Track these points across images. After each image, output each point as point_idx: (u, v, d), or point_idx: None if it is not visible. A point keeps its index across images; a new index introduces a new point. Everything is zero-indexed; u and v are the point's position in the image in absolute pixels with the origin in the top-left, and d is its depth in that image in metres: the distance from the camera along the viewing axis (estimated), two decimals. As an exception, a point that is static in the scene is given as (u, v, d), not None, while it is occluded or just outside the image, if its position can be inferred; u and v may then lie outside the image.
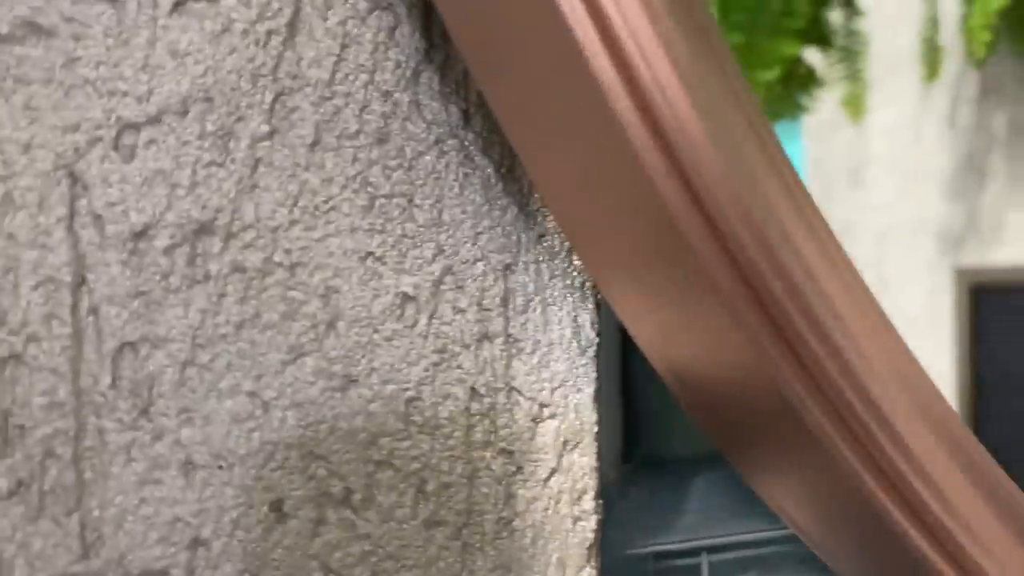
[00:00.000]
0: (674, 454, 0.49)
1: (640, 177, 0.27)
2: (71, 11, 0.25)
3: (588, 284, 0.31)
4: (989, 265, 1.57)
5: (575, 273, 0.30)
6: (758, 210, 0.26)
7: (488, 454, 0.29)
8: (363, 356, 0.27)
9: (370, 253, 0.28)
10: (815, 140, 1.95)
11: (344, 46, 0.27)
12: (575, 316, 0.30)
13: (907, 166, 1.75)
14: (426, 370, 0.28)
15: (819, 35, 1.49)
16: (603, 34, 0.24)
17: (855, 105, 1.50)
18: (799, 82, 1.55)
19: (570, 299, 0.30)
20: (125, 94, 0.25)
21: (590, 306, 0.31)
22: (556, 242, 0.30)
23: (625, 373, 0.48)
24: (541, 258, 0.30)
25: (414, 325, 0.28)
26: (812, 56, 1.57)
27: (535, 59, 0.26)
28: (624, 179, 0.27)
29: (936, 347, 1.60)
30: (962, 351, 1.56)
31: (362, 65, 0.28)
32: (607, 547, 0.36)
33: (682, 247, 0.27)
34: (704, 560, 0.38)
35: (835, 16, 1.51)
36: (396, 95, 0.28)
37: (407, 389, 0.28)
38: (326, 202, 0.27)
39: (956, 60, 1.58)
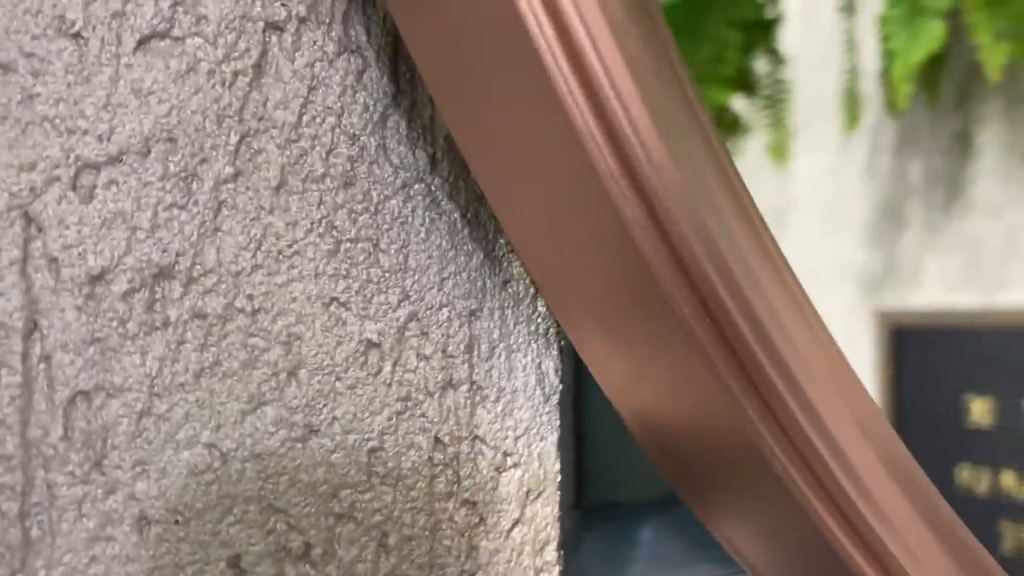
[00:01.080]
0: (623, 500, 0.49)
1: (612, 221, 0.27)
2: (31, 46, 0.24)
3: (552, 330, 0.30)
4: (908, 308, 1.62)
5: (539, 319, 0.30)
6: (731, 258, 0.27)
7: (451, 505, 0.28)
8: (325, 405, 0.27)
9: (334, 299, 0.27)
10: (740, 184, 2.00)
11: (312, 88, 0.27)
12: (539, 363, 0.30)
13: (828, 211, 1.80)
14: (389, 419, 0.28)
15: (745, 83, 1.53)
16: (583, 82, 0.24)
17: (779, 151, 1.54)
18: (726, 128, 1.58)
19: (534, 345, 0.30)
20: (85, 132, 0.24)
21: (554, 352, 0.30)
22: (521, 288, 0.30)
23: (576, 418, 0.47)
24: (506, 304, 0.30)
25: (378, 373, 0.27)
26: (738, 103, 1.61)
27: (509, 102, 0.26)
28: (595, 222, 0.27)
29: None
30: (883, 391, 1.60)
31: (329, 108, 0.27)
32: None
33: (653, 292, 0.27)
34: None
35: (760, 64, 1.55)
36: (363, 139, 0.27)
37: (370, 439, 0.27)
38: (290, 246, 0.26)
39: (875, 110, 1.64)
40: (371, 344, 0.27)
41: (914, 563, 0.34)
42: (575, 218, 0.28)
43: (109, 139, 0.24)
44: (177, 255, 0.25)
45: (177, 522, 0.25)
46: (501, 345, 0.29)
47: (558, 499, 0.30)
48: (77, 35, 0.24)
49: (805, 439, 0.30)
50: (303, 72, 0.27)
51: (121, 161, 0.25)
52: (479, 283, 0.29)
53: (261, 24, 0.26)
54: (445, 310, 0.29)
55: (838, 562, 0.34)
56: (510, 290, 0.30)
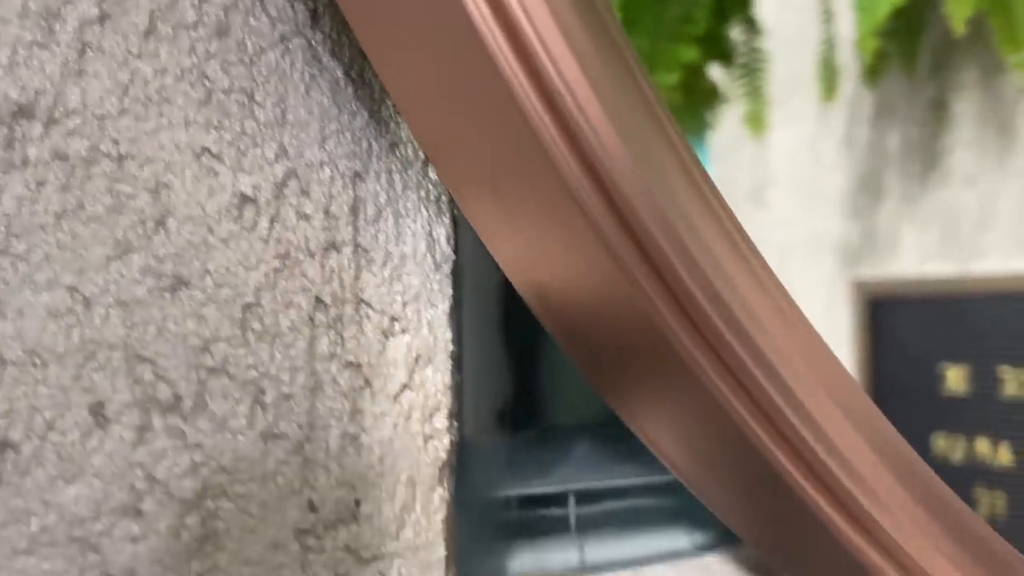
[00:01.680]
0: (561, 423, 0.48)
1: (501, 88, 0.26)
2: None
3: (444, 197, 0.30)
4: (885, 278, 1.62)
5: (431, 185, 0.30)
6: (624, 132, 0.26)
7: (333, 367, 0.28)
8: (196, 257, 0.26)
9: (206, 149, 0.26)
10: (719, 160, 1.99)
11: (182, -66, 0.26)
12: (430, 229, 0.30)
13: (807, 184, 1.80)
14: (266, 276, 0.27)
15: (721, 51, 1.52)
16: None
17: (756, 121, 1.53)
18: (703, 98, 1.58)
19: (425, 212, 0.29)
20: (-65, -37, 0.24)
21: (446, 220, 0.30)
22: (410, 151, 0.29)
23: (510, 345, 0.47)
24: (394, 168, 0.29)
25: (254, 228, 0.27)
26: (715, 74, 1.60)
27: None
28: (484, 90, 0.26)
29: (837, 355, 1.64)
30: (860, 360, 1.60)
31: (202, -45, 0.26)
32: (469, 490, 0.35)
33: (545, 165, 0.26)
34: (572, 507, 0.38)
35: (736, 33, 1.55)
36: (238, -12, 0.27)
37: (245, 295, 0.27)
38: (159, 93, 0.26)
39: (852, 81, 1.63)
40: (246, 198, 0.27)
41: (840, 460, 0.33)
42: (459, 84, 0.27)
43: (-37, -29, 0.24)
44: (37, 94, 0.24)
45: (35, 364, 0.24)
46: (388, 209, 0.29)
47: (450, 367, 0.30)
48: None
49: (704, 314, 0.29)
50: (174, -84, 0.26)
51: (-24, -5, 0.24)
52: (364, 144, 0.29)
53: None
54: (327, 169, 0.28)
55: (753, 454, 0.33)
56: (398, 153, 0.29)
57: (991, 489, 1.42)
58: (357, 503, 0.28)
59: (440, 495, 0.29)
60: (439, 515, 0.29)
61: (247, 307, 0.27)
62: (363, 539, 0.28)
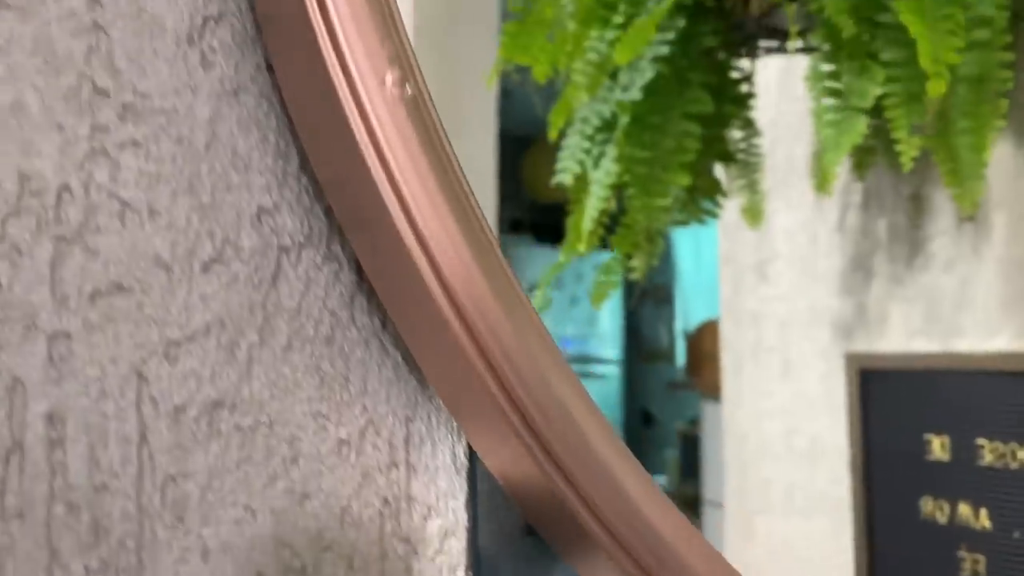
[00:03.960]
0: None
1: (477, 383, 0.43)
2: (143, 278, 0.41)
3: (462, 429, 0.47)
4: (875, 351, 1.78)
5: (454, 422, 0.47)
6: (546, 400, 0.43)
7: (395, 541, 0.45)
8: (315, 480, 0.44)
9: (320, 413, 0.44)
10: (727, 238, 2.17)
11: (307, 284, 0.44)
12: (453, 449, 0.47)
13: (805, 263, 1.97)
14: (354, 488, 0.45)
15: (721, 152, 1.70)
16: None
17: (753, 214, 1.70)
18: (705, 191, 1.75)
19: (450, 437, 0.47)
20: (166, 322, 0.42)
21: (464, 442, 0.47)
22: (440, 402, 0.47)
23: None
24: (431, 412, 0.47)
25: (347, 458, 0.44)
26: (718, 170, 1.78)
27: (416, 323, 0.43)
28: (466, 385, 0.44)
29: (832, 423, 1.79)
30: (853, 426, 1.76)
31: (318, 296, 0.44)
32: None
33: (492, 407, 0.43)
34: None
35: (736, 133, 1.72)
36: (339, 313, 0.45)
37: (342, 500, 0.44)
38: (293, 383, 0.44)
39: (845, 172, 1.80)
40: (343, 441, 0.44)
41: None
42: (452, 382, 0.44)
43: (186, 325, 0.42)
44: (225, 393, 0.42)
45: (225, 553, 0.42)
46: (428, 438, 0.46)
47: (466, 537, 0.47)
48: (168, 266, 0.42)
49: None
50: (302, 275, 0.44)
51: (193, 340, 0.42)
52: (413, 398, 0.46)
53: (275, 249, 0.44)
54: (390, 417, 0.46)
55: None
56: (434, 403, 0.47)
57: (971, 552, 1.56)
58: (410, 625, 0.45)
59: (461, 618, 0.47)
60: (461, 630, 0.47)
61: (343, 509, 0.44)
62: (413, 648, 0.45)
